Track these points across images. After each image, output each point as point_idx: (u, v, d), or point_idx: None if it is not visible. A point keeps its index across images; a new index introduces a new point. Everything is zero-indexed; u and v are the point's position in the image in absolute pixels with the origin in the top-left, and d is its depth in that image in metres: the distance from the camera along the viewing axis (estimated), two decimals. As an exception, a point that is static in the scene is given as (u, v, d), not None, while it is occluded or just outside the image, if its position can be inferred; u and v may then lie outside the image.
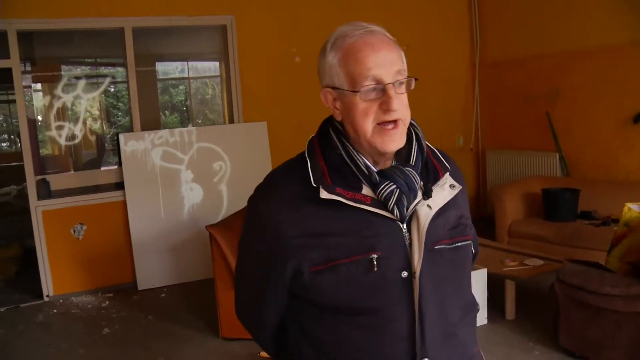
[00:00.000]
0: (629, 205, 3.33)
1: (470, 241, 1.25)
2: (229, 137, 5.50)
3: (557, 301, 3.39)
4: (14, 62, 4.77)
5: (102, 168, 5.65)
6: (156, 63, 6.22)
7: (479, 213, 6.76)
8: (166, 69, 6.94)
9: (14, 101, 5.12)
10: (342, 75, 1.12)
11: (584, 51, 5.41)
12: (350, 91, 1.11)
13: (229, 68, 5.64)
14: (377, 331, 1.12)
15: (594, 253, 4.16)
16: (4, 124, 10.83)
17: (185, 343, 3.98)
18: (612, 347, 3.14)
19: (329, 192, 1.11)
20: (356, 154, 1.15)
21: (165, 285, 5.24)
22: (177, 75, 7.17)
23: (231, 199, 5.43)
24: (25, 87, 5.02)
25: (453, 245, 1.20)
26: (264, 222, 1.16)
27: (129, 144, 5.13)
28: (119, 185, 5.20)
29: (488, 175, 6.57)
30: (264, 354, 3.40)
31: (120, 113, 7.40)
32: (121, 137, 5.14)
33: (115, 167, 5.38)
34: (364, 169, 1.14)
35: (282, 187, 1.17)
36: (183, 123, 7.53)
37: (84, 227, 5.10)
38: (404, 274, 1.12)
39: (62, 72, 5.49)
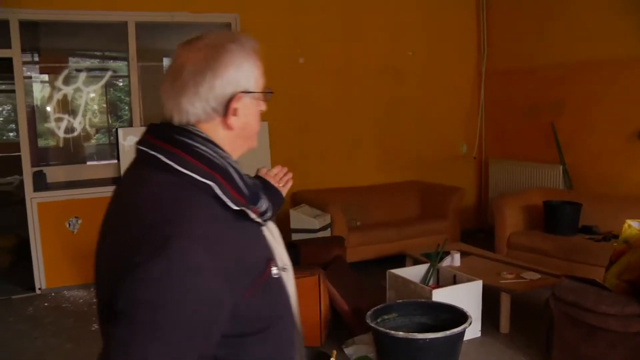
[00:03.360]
0: (629, 222, 3.26)
1: None
2: (229, 136, 5.44)
3: (552, 317, 3.31)
4: (14, 52, 4.74)
5: (100, 162, 5.61)
6: (164, 59, 6.19)
7: (479, 223, 6.68)
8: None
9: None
10: (258, 79, 1.13)
11: (591, 63, 5.33)
12: (269, 92, 1.15)
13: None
14: (290, 333, 1.16)
15: (593, 269, 4.08)
16: (12, 114, 10.81)
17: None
18: (605, 367, 3.06)
19: (250, 211, 1.07)
20: (240, 170, 1.10)
21: (158, 283, 5.18)
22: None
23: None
24: (25, 77, 4.99)
25: None
26: (197, 262, 0.94)
27: (128, 139, 5.09)
28: (117, 180, 5.16)
29: (490, 185, 6.50)
30: None
31: (127, 107, 7.38)
32: (120, 131, 5.10)
33: (114, 161, 5.34)
34: (248, 182, 1.12)
35: (199, 217, 0.99)
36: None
37: (80, 221, 5.07)
38: (282, 272, 1.16)
39: (64, 64, 5.46)
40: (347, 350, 3.59)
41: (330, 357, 3.30)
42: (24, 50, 4.91)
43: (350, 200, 5.69)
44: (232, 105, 1.08)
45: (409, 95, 6.31)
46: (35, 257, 4.96)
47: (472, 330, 3.74)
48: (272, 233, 1.20)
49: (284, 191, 1.57)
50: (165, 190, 1.01)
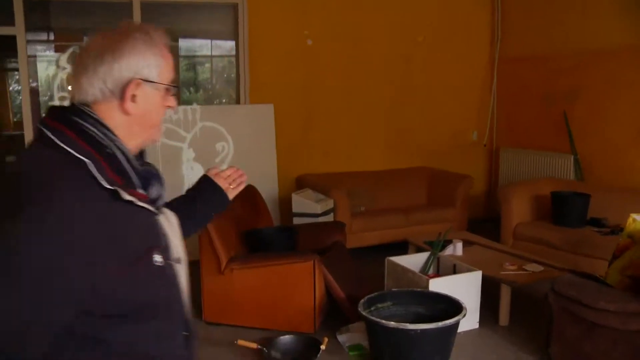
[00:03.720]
0: (634, 216, 3.14)
1: None
2: (233, 118, 5.40)
3: (551, 312, 3.22)
4: (18, 30, 4.72)
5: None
6: (179, 39, 6.12)
7: (488, 212, 6.56)
8: (191, 45, 6.82)
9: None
10: (163, 72, 1.15)
11: (605, 51, 5.15)
12: (173, 86, 1.18)
13: (238, 47, 5.52)
14: (173, 326, 1.19)
15: (599, 262, 3.95)
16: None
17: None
18: (604, 364, 2.97)
19: (127, 193, 1.08)
20: (129, 153, 1.13)
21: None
22: (202, 52, 7.04)
23: (232, 181, 5.33)
24: (29, 56, 4.98)
25: None
26: (47, 231, 0.96)
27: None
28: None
29: (500, 174, 6.36)
30: (241, 341, 3.31)
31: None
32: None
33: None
34: (137, 167, 1.14)
35: (63, 190, 1.00)
36: (208, 101, 7.39)
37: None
38: (173, 261, 1.20)
39: (69, 43, 5.43)
40: (341, 338, 3.55)
41: (321, 344, 3.26)
42: (31, 29, 4.88)
43: (356, 185, 5.61)
44: (128, 90, 1.11)
45: (419, 81, 6.17)
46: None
47: (470, 322, 3.67)
48: (170, 223, 1.23)
49: (234, 193, 1.61)
50: (40, 163, 1.05)
